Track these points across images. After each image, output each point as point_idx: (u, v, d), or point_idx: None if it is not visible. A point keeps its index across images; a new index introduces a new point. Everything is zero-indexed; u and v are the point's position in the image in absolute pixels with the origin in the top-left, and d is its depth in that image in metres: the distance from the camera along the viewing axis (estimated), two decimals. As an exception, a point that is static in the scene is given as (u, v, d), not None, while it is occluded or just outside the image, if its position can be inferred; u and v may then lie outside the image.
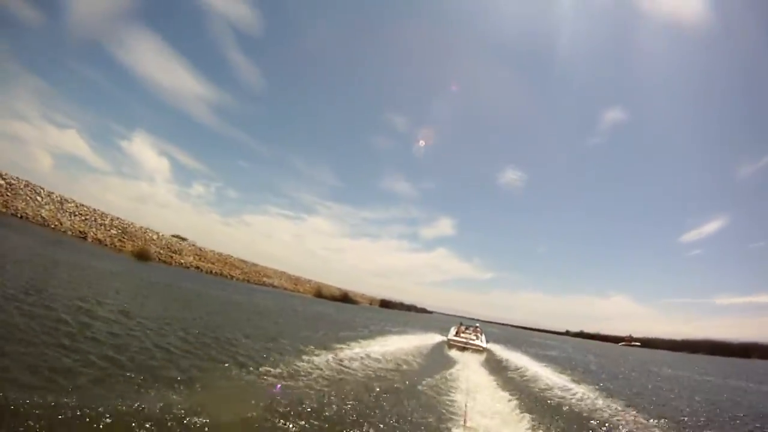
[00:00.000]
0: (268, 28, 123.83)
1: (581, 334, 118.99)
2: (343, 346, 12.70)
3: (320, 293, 53.87)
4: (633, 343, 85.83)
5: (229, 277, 44.84)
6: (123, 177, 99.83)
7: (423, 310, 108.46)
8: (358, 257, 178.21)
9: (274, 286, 50.29)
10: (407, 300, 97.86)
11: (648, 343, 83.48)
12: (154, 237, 44.15)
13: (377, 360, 11.80)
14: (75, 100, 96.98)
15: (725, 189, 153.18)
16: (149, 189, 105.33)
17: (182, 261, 41.52)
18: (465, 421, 6.17)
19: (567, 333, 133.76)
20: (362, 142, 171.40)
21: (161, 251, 40.91)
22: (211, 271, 43.12)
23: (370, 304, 79.15)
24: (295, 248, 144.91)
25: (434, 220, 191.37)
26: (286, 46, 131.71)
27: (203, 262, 44.87)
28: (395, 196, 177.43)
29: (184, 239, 51.93)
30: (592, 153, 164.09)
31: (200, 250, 48.48)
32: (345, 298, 58.63)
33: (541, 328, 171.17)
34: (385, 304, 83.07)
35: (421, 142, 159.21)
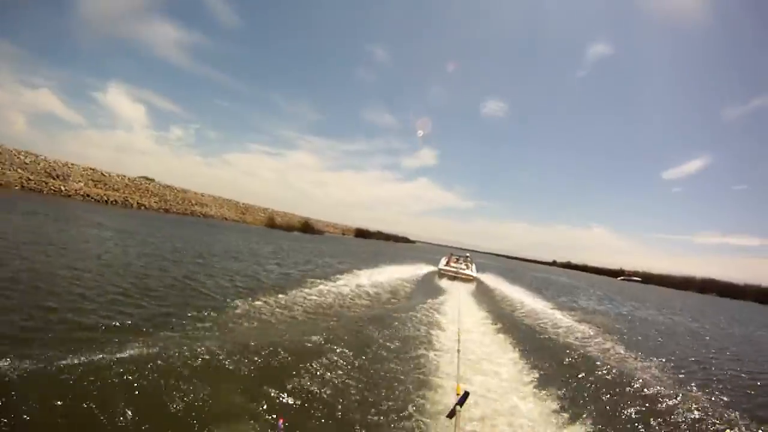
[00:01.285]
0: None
1: (569, 266, 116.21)
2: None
3: (274, 223, 43.64)
4: (633, 278, 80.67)
5: (137, 206, 33.40)
6: (99, 129, 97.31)
7: (405, 240, 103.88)
8: (341, 190, 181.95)
9: (208, 216, 39.35)
10: (391, 230, 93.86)
11: (649, 279, 79.15)
12: (27, 161, 30.87)
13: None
14: (47, 60, 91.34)
15: (710, 129, 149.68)
16: (127, 137, 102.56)
17: (64, 188, 29.56)
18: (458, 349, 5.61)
19: (554, 263, 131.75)
20: (343, 74, 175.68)
21: (30, 177, 28.70)
22: (109, 200, 31.50)
23: (343, 234, 71.25)
24: (279, 184, 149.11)
25: (416, 151, 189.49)
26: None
27: (100, 188, 32.88)
28: (377, 127, 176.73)
29: (151, 180, 45.65)
30: (577, 86, 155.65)
31: (103, 175, 35.85)
32: (307, 227, 48.66)
33: (528, 258, 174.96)
34: (361, 233, 75.79)
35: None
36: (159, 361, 3.73)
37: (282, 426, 3.16)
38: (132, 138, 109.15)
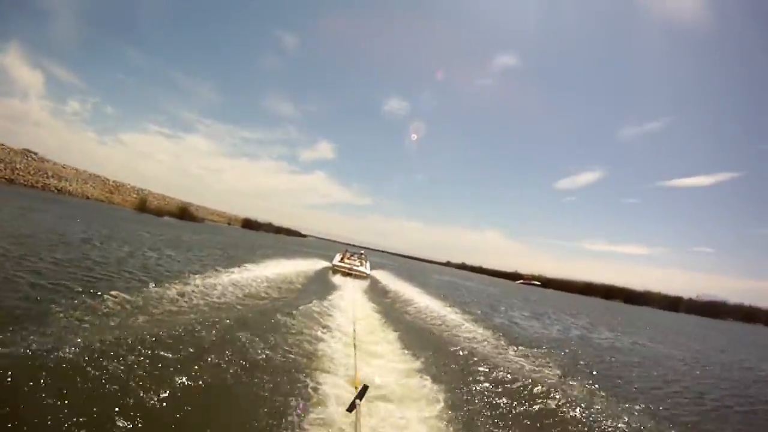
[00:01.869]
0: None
1: (465, 267, 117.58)
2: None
3: (144, 206, 41.59)
4: (533, 282, 78.85)
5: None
6: None
7: (297, 233, 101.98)
8: (236, 177, 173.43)
9: (64, 192, 35.91)
10: (285, 223, 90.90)
11: (548, 284, 77.05)
12: None
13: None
14: None
15: (605, 146, 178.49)
16: (21, 106, 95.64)
17: None
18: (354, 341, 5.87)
19: (448, 264, 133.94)
20: (248, 58, 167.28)
21: None
22: None
23: (229, 223, 68.90)
24: (174, 169, 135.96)
25: (314, 143, 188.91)
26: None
27: None
28: (278, 116, 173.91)
29: (34, 153, 41.65)
30: (481, 93, 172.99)
31: None
32: (184, 213, 47.47)
33: (422, 257, 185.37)
34: (249, 224, 71.55)
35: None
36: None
37: None
38: (27, 107, 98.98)
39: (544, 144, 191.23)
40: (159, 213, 39.92)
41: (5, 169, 32.00)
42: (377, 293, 15.17)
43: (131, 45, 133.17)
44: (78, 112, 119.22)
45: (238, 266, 12.69)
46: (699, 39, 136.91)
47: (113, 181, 48.38)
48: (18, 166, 33.99)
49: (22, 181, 32.25)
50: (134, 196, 46.81)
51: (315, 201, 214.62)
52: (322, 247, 50.28)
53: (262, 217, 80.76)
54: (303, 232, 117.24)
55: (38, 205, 21.34)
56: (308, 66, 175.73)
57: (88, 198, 37.76)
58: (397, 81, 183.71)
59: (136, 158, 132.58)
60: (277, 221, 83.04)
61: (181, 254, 14.24)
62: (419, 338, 7.92)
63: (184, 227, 32.83)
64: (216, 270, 11.05)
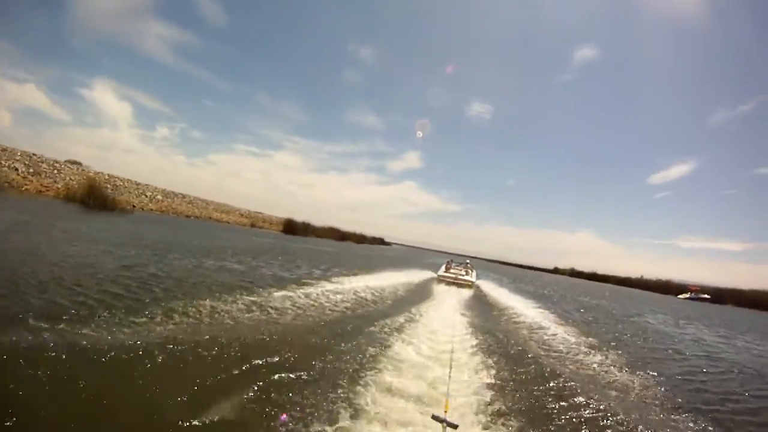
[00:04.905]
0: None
1: (578, 274, 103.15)
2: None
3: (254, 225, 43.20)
4: (702, 296, 61.89)
5: None
6: (85, 126, 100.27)
7: (380, 241, 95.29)
8: (326, 192, 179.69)
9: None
10: (377, 233, 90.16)
11: (721, 297, 59.41)
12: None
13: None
14: (33, 54, 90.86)
15: (696, 133, 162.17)
16: (112, 136, 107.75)
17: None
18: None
19: (556, 271, 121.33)
20: (328, 75, 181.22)
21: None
22: None
23: (254, 225, 47.63)
24: (264, 186, 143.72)
25: (402, 153, 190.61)
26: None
27: None
28: (362, 129, 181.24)
29: (78, 163, 43.02)
30: (563, 90, 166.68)
31: None
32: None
33: (520, 263, 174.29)
34: (291, 228, 50.05)
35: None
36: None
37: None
38: (117, 136, 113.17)
39: (633, 138, 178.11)
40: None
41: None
42: (483, 306, 14.22)
43: (214, 72, 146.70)
44: (167, 137, 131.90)
45: (338, 276, 13.74)
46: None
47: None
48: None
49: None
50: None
51: (405, 210, 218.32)
52: (398, 258, 41.33)
53: (353, 228, 76.93)
54: (387, 240, 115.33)
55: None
56: (387, 76, 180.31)
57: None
58: (478, 84, 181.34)
59: (227, 177, 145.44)
60: (369, 232, 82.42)
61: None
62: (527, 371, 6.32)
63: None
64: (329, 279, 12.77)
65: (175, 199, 44.11)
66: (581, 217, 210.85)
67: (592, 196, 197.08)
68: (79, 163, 44.89)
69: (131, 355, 4.08)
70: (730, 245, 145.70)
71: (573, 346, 8.94)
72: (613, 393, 5.98)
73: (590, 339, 10.00)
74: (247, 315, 6.79)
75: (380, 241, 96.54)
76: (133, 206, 36.78)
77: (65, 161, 41.87)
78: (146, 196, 39.30)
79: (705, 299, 59.94)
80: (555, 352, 8.30)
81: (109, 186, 37.27)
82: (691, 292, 64.36)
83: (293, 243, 31.85)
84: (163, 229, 21.60)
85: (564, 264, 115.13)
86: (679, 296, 63.47)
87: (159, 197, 41.42)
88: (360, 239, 73.31)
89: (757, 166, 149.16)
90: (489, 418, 4.38)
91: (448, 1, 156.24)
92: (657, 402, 5.93)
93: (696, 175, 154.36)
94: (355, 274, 15.02)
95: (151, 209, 37.65)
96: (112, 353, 3.99)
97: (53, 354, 3.73)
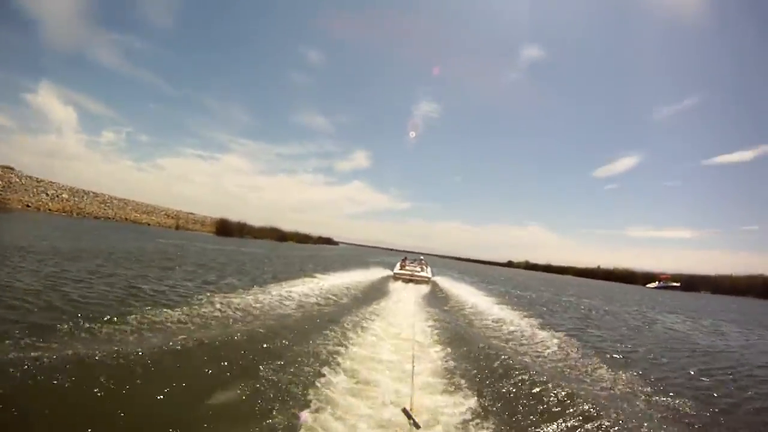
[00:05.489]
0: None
1: (533, 267, 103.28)
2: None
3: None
4: (671, 284, 60.14)
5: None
6: (31, 132, 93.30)
7: (327, 241, 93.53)
8: (275, 193, 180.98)
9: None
10: (325, 233, 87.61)
11: (691, 285, 58.56)
12: None
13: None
14: None
15: (640, 128, 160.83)
16: (57, 142, 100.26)
17: None
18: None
19: (510, 264, 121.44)
20: (275, 77, 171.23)
21: None
22: None
23: (181, 228, 44.02)
24: (212, 189, 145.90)
25: (349, 153, 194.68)
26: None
27: None
28: (310, 130, 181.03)
29: (11, 168, 37.99)
30: (510, 87, 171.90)
31: None
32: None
33: (473, 258, 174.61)
34: (225, 229, 47.27)
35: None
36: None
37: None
38: (62, 142, 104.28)
39: (578, 134, 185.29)
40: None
41: None
42: (440, 301, 13.74)
43: (160, 75, 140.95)
44: (113, 141, 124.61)
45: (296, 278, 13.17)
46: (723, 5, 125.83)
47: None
48: None
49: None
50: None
51: (354, 210, 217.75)
52: (341, 257, 39.43)
53: (303, 229, 74.56)
54: (336, 240, 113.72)
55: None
56: (335, 78, 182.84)
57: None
58: (425, 83, 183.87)
59: (175, 182, 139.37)
60: (321, 232, 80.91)
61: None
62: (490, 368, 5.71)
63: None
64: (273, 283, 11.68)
65: (84, 198, 39.06)
66: (530, 211, 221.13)
67: (540, 190, 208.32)
68: (12, 168, 39.24)
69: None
70: (679, 233, 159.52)
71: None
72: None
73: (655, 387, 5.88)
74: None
75: (327, 241, 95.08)
76: (27, 205, 32.28)
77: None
78: (47, 195, 34.53)
79: (675, 287, 58.36)
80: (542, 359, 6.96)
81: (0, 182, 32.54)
82: (660, 281, 62.07)
83: (208, 245, 27.56)
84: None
85: (516, 257, 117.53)
86: (648, 285, 61.50)
87: (64, 196, 36.42)
88: (303, 239, 70.66)
89: (701, 157, 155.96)
90: (452, 419, 4.11)
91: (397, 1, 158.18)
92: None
93: (641, 168, 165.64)
94: (309, 276, 14.27)
95: (50, 209, 33.04)
96: None
97: None
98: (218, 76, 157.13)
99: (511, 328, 9.34)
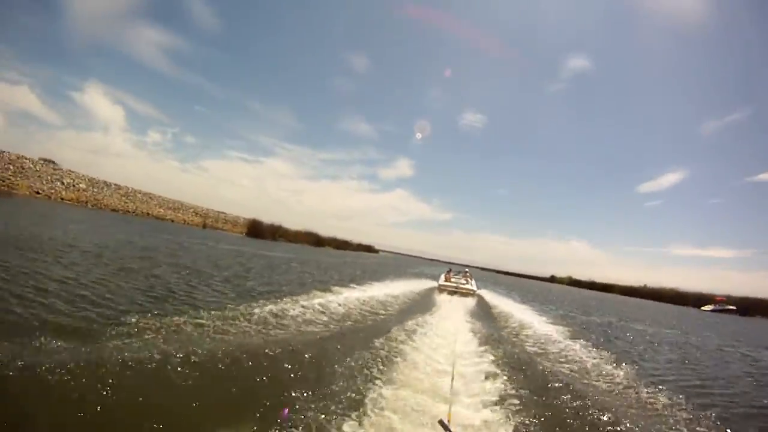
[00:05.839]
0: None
1: (577, 283, 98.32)
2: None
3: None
4: (728, 307, 56.85)
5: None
6: (77, 129, 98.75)
7: (367, 249, 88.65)
8: (318, 199, 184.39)
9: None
10: (367, 240, 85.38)
11: (747, 307, 55.44)
12: None
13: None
14: (27, 56, 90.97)
15: (686, 143, 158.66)
16: (103, 139, 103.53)
17: None
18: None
19: (553, 279, 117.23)
20: (321, 83, 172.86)
21: None
22: None
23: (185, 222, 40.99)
24: (256, 192, 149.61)
25: (393, 161, 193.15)
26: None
27: None
28: (354, 137, 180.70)
29: (51, 161, 37.75)
30: (554, 98, 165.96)
31: None
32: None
33: (514, 271, 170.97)
34: (256, 231, 43.95)
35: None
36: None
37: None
38: (108, 140, 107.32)
39: (623, 148, 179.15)
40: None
41: None
42: (486, 315, 13.39)
43: (207, 78, 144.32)
44: (158, 142, 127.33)
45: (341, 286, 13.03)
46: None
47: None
48: None
49: None
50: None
51: (396, 219, 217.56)
52: (384, 266, 36.96)
53: (344, 236, 72.32)
54: (377, 248, 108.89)
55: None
56: (380, 85, 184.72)
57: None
58: (471, 93, 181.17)
59: (219, 183, 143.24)
60: (363, 240, 79.56)
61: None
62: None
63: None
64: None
65: (104, 189, 36.14)
66: (572, 226, 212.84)
67: (583, 205, 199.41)
68: (52, 162, 38.72)
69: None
70: (721, 252, 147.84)
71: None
72: None
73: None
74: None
75: (367, 249, 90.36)
76: (38, 192, 29.09)
77: (39, 159, 36.14)
78: (62, 183, 31.44)
79: (731, 311, 55.37)
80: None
81: (11, 167, 29.62)
82: (716, 303, 59.03)
83: (222, 244, 24.97)
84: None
85: (557, 272, 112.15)
86: (703, 308, 58.08)
87: (82, 186, 33.63)
88: (341, 245, 66.48)
89: (749, 174, 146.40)
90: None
91: (443, 11, 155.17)
92: None
93: (686, 184, 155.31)
94: (360, 285, 14.79)
95: (63, 198, 29.82)
96: None
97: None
98: (264, 80, 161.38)
99: (575, 358, 8.27)
